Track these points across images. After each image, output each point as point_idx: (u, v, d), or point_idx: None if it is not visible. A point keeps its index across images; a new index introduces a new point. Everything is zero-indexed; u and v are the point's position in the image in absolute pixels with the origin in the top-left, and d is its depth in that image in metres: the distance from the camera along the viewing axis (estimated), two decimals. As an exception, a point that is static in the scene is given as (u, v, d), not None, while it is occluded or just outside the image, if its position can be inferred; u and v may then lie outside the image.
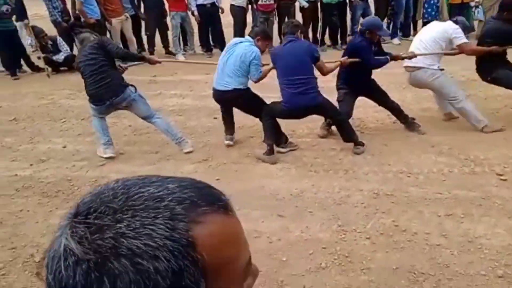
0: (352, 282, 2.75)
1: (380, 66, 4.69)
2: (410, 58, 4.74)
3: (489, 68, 4.81)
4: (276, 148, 4.52)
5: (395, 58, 4.76)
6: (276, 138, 4.50)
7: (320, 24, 9.07)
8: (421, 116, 5.12)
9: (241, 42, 4.51)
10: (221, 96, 4.60)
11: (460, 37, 4.62)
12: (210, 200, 0.51)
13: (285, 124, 5.15)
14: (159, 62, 5.07)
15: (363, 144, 4.47)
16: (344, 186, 3.87)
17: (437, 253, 2.97)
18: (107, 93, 4.36)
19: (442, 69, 4.77)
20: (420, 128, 4.82)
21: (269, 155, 4.36)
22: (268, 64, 4.60)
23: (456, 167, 4.07)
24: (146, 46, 9.41)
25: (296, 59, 4.27)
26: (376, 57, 4.66)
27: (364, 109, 5.42)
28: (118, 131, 5.30)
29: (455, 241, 3.07)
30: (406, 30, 9.57)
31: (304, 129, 5.15)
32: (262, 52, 4.54)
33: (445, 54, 4.77)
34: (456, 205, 3.48)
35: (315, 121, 5.23)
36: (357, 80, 4.75)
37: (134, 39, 9.10)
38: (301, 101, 4.26)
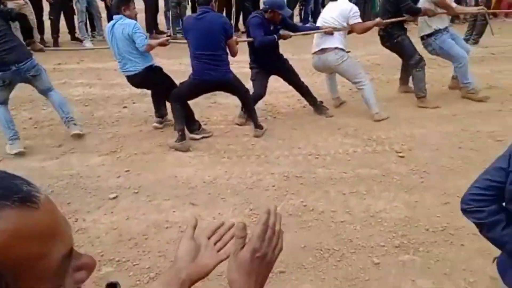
0: (262, 264, 2.81)
1: (266, 44, 4.63)
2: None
3: (393, 32, 5.12)
4: (190, 135, 4.47)
5: (283, 37, 4.79)
6: (186, 124, 4.44)
7: (233, 10, 9.05)
8: (329, 100, 5.34)
9: (114, 23, 4.37)
10: (133, 80, 4.52)
11: (356, 17, 4.87)
12: (3, 193, 0.46)
13: (200, 111, 5.11)
14: (42, 51, 5.00)
15: (262, 127, 4.58)
16: (256, 170, 3.93)
17: (342, 229, 3.14)
18: (12, 57, 4.10)
19: (348, 51, 4.99)
20: (327, 111, 5.03)
21: (181, 142, 4.30)
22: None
23: (360, 147, 4.31)
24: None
25: (209, 33, 4.21)
26: (266, 36, 4.64)
27: (276, 95, 5.54)
28: (16, 124, 4.88)
29: (358, 217, 3.26)
30: (317, 17, 9.87)
31: (218, 116, 5.14)
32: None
33: (335, 30, 4.88)
34: (360, 183, 3.69)
35: (229, 108, 5.25)
36: (265, 58, 4.80)
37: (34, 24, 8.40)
38: (212, 76, 4.24)
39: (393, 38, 5.13)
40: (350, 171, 3.87)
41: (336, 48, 4.82)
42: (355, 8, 4.92)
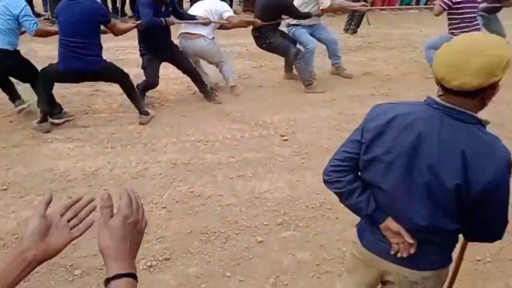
0: (147, 252, 2.75)
1: (153, 25, 4.49)
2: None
3: (266, 33, 5.27)
4: (50, 120, 4.20)
5: (167, 23, 4.67)
6: (51, 106, 4.19)
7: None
8: (218, 86, 5.37)
9: None
10: None
11: (228, 11, 5.16)
12: None
13: (81, 99, 4.80)
14: None
15: (148, 114, 4.48)
16: (142, 159, 3.81)
17: (228, 212, 3.19)
18: None
19: (212, 38, 5.09)
20: (216, 98, 5.06)
21: (41, 124, 4.08)
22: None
23: (247, 132, 4.40)
24: None
25: (79, 19, 3.93)
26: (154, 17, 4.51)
27: (165, 82, 5.39)
28: None
29: (244, 199, 3.35)
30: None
31: (101, 104, 4.87)
32: None
33: (213, 22, 5.05)
34: (246, 167, 3.78)
35: (113, 95, 5.00)
36: (155, 44, 4.65)
37: None
38: (76, 65, 3.99)
39: (266, 39, 5.28)
40: (237, 156, 3.94)
41: (206, 34, 4.93)
42: (227, 6, 5.27)
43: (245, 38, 6.64)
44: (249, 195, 3.40)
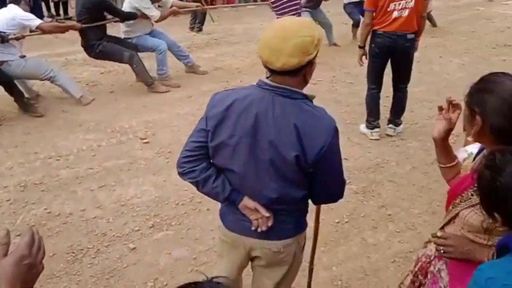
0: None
1: None
2: None
3: (91, 42, 5.03)
4: None
5: None
6: None
7: None
8: (66, 97, 5.00)
9: None
10: None
11: (32, 20, 4.51)
12: None
13: None
14: None
15: None
16: (-17, 188, 3.37)
17: (94, 225, 3.03)
18: None
19: (23, 56, 4.62)
20: (38, 108, 4.68)
21: None
22: None
23: (104, 140, 4.20)
24: None
25: None
26: None
27: (1, 101, 4.83)
28: None
29: (110, 209, 3.20)
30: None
31: None
32: None
33: (26, 36, 4.66)
34: (107, 176, 3.62)
35: None
36: None
37: None
38: None
39: (94, 48, 5.04)
40: (97, 166, 3.74)
41: (10, 58, 4.45)
42: (30, 15, 4.53)
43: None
44: (115, 204, 3.26)
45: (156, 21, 5.40)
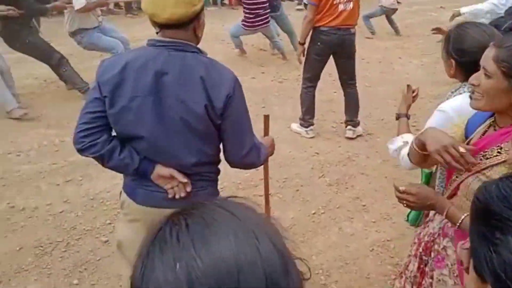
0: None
1: None
2: None
3: (20, 33, 4.46)
4: None
5: None
6: None
7: None
8: (20, 94, 4.74)
9: None
10: None
11: None
12: None
13: None
14: None
15: None
16: None
17: (62, 219, 2.88)
18: None
19: None
20: None
21: None
22: None
23: (68, 136, 4.00)
24: None
25: None
26: None
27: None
28: None
29: (78, 203, 3.06)
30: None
31: None
32: None
33: None
34: (74, 170, 3.46)
35: None
36: None
37: None
38: None
39: (21, 39, 4.47)
40: (61, 161, 3.57)
41: None
42: None
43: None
44: (84, 199, 3.12)
45: (79, 11, 4.49)
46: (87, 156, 1.52)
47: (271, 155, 1.86)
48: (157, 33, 1.47)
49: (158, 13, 1.39)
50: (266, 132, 1.93)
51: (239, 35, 6.28)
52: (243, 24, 5.95)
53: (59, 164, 3.53)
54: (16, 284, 2.31)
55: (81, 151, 1.51)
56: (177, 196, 1.54)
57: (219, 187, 3.25)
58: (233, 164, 1.62)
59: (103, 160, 1.51)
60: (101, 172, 3.46)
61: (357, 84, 4.10)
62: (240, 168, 1.69)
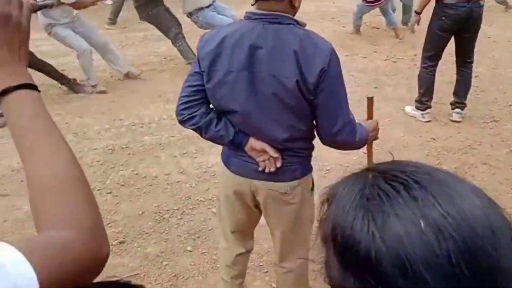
0: (99, 240, 2.58)
1: None
2: None
3: (149, 4, 4.90)
4: None
5: None
6: None
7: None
8: (143, 70, 5.15)
9: None
10: None
11: None
12: None
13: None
14: None
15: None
16: (75, 148, 3.53)
17: (178, 189, 3.09)
18: None
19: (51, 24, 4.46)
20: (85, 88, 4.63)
21: None
22: None
23: (184, 110, 4.27)
24: None
25: None
26: None
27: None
28: None
29: (193, 174, 3.26)
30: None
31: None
32: None
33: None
34: (188, 144, 3.67)
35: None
36: None
37: None
38: None
39: (147, 10, 4.94)
40: (178, 134, 3.82)
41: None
42: None
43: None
44: (197, 171, 3.31)
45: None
46: (186, 128, 1.59)
47: (374, 139, 1.77)
48: (252, 5, 1.45)
49: None
50: (370, 115, 1.82)
51: (363, 14, 6.05)
52: (365, 1, 5.72)
53: (176, 137, 3.78)
54: (138, 245, 2.55)
55: (181, 122, 1.58)
56: (266, 170, 1.55)
57: (324, 169, 3.26)
58: (325, 141, 1.56)
59: (201, 131, 1.56)
60: (212, 147, 3.63)
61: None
62: (334, 147, 1.61)
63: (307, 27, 1.49)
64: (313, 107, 1.46)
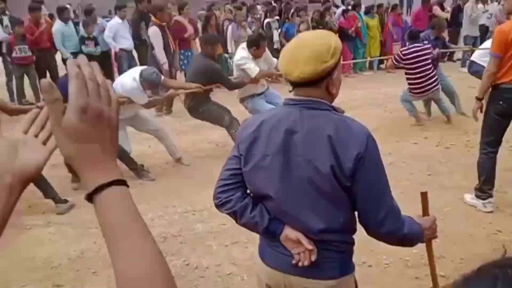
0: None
1: None
2: None
3: (199, 104, 5.12)
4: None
5: None
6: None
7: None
8: (196, 157, 5.33)
9: None
10: None
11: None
12: None
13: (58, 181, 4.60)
14: None
15: (65, 202, 4.09)
16: (130, 236, 3.61)
17: (230, 281, 3.03)
18: None
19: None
20: (149, 175, 4.84)
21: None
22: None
23: (235, 198, 4.31)
24: None
25: None
26: None
27: (142, 158, 5.31)
28: None
29: (244, 266, 3.19)
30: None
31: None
32: None
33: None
34: (240, 233, 3.62)
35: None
36: None
37: None
38: None
39: (198, 109, 5.19)
40: (228, 222, 3.79)
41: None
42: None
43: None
44: (249, 262, 3.23)
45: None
46: (222, 212, 1.59)
47: (432, 238, 1.65)
48: (290, 91, 1.51)
49: (290, 71, 1.42)
50: (425, 212, 1.74)
51: (410, 101, 6.04)
52: (411, 93, 5.76)
53: (227, 225, 3.77)
54: None
55: (217, 206, 1.59)
56: (300, 264, 1.46)
57: (383, 263, 3.10)
58: (370, 231, 1.48)
59: (236, 216, 1.56)
60: (264, 236, 3.59)
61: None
62: (381, 240, 1.51)
63: (352, 115, 1.53)
64: (352, 195, 1.41)
